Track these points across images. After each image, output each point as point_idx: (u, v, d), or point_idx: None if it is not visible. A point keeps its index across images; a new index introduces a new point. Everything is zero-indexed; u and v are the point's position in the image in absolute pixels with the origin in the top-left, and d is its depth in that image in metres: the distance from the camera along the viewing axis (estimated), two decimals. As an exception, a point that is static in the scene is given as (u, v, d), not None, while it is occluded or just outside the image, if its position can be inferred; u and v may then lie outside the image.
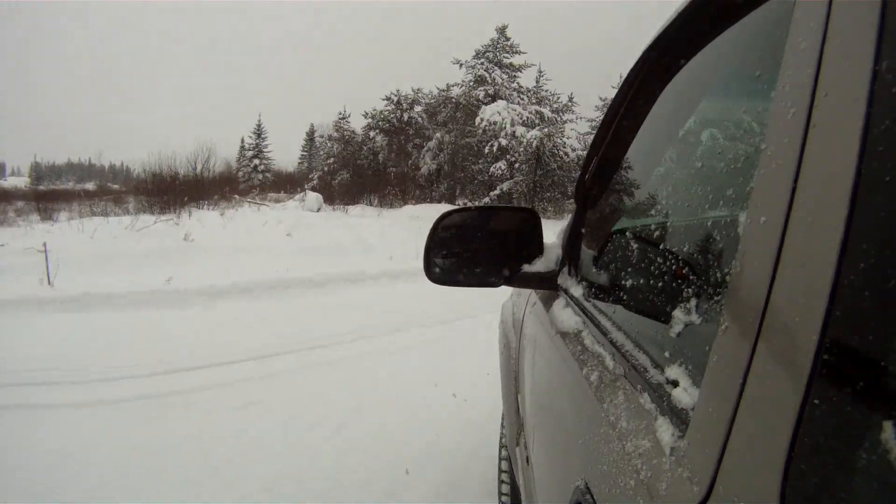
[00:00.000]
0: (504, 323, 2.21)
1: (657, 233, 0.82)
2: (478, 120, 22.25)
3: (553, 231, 1.72)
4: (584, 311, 1.08)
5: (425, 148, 26.61)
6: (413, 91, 28.26)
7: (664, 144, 1.05)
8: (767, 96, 0.48)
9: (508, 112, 22.15)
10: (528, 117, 22.91)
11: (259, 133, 41.33)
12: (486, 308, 5.74)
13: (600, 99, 33.10)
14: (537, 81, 28.20)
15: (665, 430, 0.54)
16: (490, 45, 25.69)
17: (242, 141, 41.90)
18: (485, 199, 23.36)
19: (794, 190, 0.39)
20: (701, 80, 0.91)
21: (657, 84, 1.02)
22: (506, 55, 25.90)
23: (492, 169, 23.16)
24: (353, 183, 28.10)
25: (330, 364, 4.50)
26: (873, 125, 0.33)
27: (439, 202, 24.10)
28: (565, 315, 1.14)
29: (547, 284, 1.34)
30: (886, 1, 0.34)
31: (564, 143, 22.37)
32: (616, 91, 1.15)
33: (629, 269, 0.91)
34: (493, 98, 24.15)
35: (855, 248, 0.32)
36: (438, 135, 26.00)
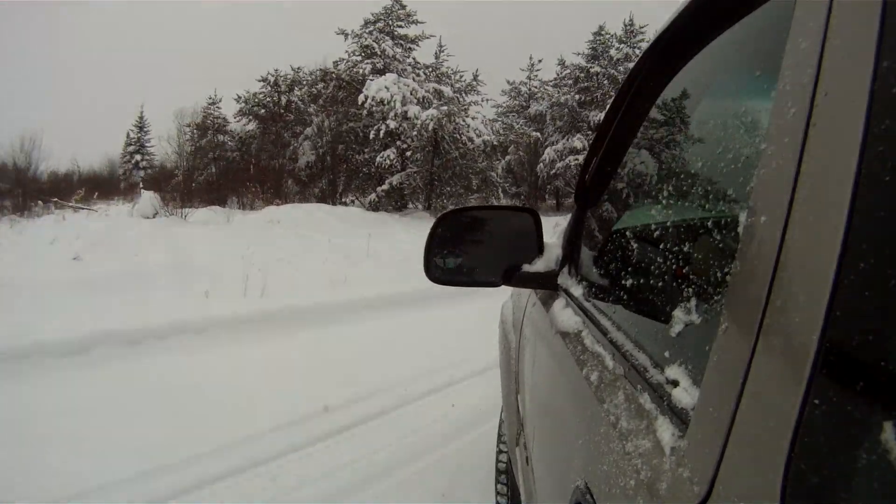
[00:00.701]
0: (504, 323, 2.21)
1: (657, 233, 0.82)
2: (361, 98, 17.62)
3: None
4: (584, 311, 1.08)
5: (302, 135, 22.42)
6: (293, 70, 23.69)
7: (664, 144, 1.05)
8: (767, 96, 0.48)
9: (399, 87, 17.74)
10: (424, 96, 18.54)
11: (141, 126, 37.03)
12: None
13: (508, 83, 30.39)
14: (437, 56, 23.70)
15: (665, 430, 0.54)
16: (382, 13, 21.26)
17: (128, 135, 37.43)
18: (370, 196, 19.39)
19: (794, 190, 0.39)
20: (701, 80, 0.91)
21: (657, 84, 1.02)
22: (399, 24, 21.42)
23: (378, 159, 18.82)
24: (217, 180, 23.26)
25: None
26: (873, 125, 0.33)
27: (321, 200, 19.99)
28: (565, 315, 1.14)
29: (547, 284, 1.34)
30: (886, 1, 0.34)
31: (468, 125, 18.19)
32: (616, 91, 1.15)
33: (629, 269, 0.91)
34: (383, 73, 19.52)
35: (855, 248, 0.32)
36: (318, 119, 21.68)
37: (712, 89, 0.90)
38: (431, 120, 17.12)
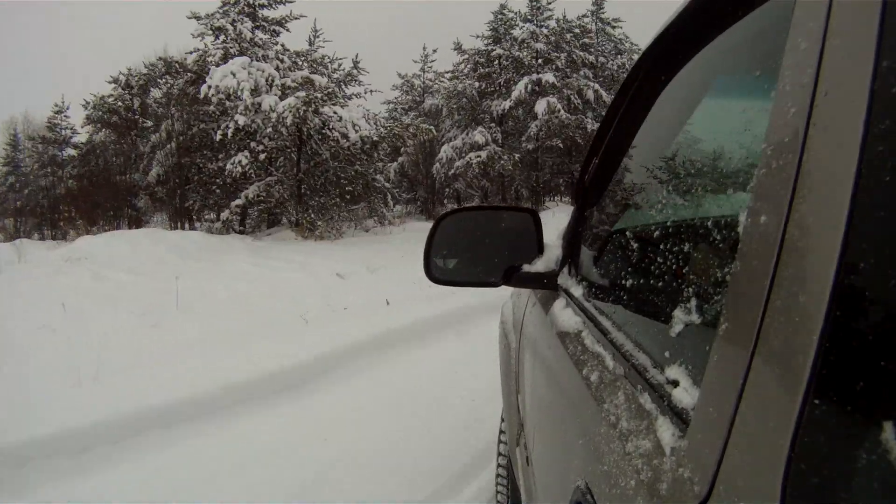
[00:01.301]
0: (504, 323, 2.21)
1: (657, 233, 0.82)
2: (204, 89, 13.60)
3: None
4: (584, 311, 1.08)
5: (150, 143, 19.02)
6: (147, 67, 20.12)
7: (664, 144, 1.05)
8: (767, 96, 0.48)
9: (250, 73, 13.72)
10: (290, 85, 14.56)
11: (15, 144, 30.71)
12: None
13: (399, 76, 26.70)
14: (311, 42, 19.37)
15: (665, 430, 0.54)
16: (244, -8, 16.91)
17: (6, 153, 31.50)
18: (224, 214, 15.43)
19: (794, 190, 0.39)
20: (701, 80, 0.91)
21: (657, 84, 1.02)
22: (263, 3, 17.35)
23: (228, 166, 14.42)
24: (55, 202, 20.33)
25: None
26: (873, 125, 0.33)
27: (174, 220, 16.88)
28: (565, 315, 1.14)
29: (547, 284, 1.35)
30: (886, 1, 0.34)
31: (340, 118, 13.77)
32: (616, 90, 1.16)
33: (629, 269, 0.91)
34: (240, 60, 15.65)
35: (855, 248, 0.32)
36: (166, 123, 18.35)
37: (712, 90, 0.90)
38: (289, 110, 13.03)
